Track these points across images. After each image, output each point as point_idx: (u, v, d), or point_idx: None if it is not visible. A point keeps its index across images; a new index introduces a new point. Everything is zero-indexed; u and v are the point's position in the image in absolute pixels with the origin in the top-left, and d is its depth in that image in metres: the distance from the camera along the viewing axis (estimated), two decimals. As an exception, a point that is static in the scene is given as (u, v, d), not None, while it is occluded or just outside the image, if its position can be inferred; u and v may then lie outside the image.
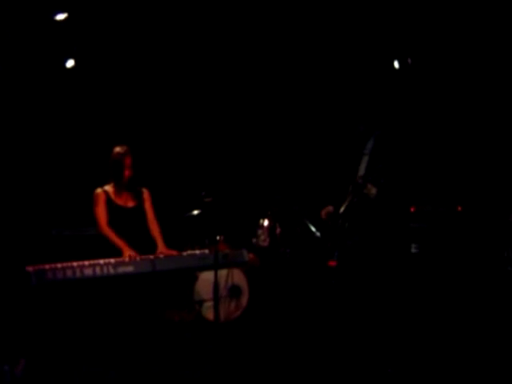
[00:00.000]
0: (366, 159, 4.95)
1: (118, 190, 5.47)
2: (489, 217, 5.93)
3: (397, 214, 4.90)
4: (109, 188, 5.49)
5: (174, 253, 5.47)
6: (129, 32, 7.40)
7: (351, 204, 4.88)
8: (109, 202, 5.41)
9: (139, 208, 5.52)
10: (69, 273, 4.86)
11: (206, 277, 6.28)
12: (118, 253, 5.20)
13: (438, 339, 5.42)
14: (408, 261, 5.11)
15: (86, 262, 4.98)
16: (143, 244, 5.42)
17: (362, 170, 4.94)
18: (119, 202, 5.46)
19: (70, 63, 7.23)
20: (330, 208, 5.28)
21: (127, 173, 5.41)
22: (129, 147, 5.48)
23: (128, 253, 5.16)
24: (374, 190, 4.74)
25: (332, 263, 5.04)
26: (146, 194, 5.59)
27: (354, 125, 5.07)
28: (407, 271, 5.15)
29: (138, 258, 5.13)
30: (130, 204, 5.50)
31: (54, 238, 7.00)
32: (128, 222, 5.41)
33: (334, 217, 5.19)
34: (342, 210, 5.03)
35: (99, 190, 5.45)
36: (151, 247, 5.46)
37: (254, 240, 7.00)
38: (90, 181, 5.76)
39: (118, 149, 5.45)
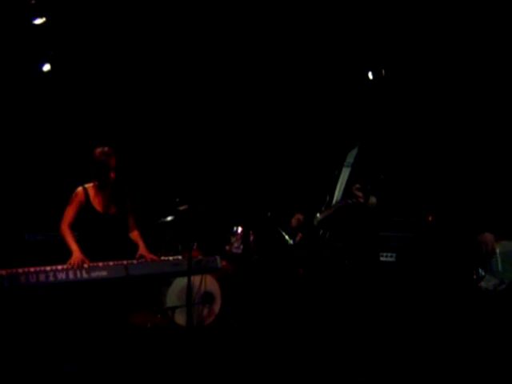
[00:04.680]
0: (346, 171, 4.97)
1: (101, 191, 5.35)
2: (462, 230, 6.00)
3: (376, 222, 4.94)
4: (91, 189, 5.35)
5: (154, 257, 5.47)
6: (107, 36, 7.39)
7: (337, 213, 4.88)
8: (88, 206, 5.29)
9: (120, 213, 5.43)
10: (42, 277, 4.86)
11: (179, 283, 6.30)
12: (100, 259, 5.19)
13: (409, 346, 5.50)
14: (379, 269, 5.16)
15: (59, 267, 4.97)
16: (123, 249, 5.40)
17: (342, 183, 4.97)
18: (100, 207, 5.33)
19: (47, 67, 7.23)
20: (300, 216, 5.30)
21: (112, 175, 5.29)
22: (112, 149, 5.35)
23: (72, 260, 5.04)
24: (374, 200, 4.75)
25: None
26: (128, 197, 5.50)
27: (338, 132, 5.06)
28: (378, 279, 5.20)
29: (110, 263, 5.13)
30: (112, 210, 5.38)
31: (27, 242, 6.96)
32: (109, 229, 5.32)
33: (307, 226, 5.21)
34: (319, 218, 5.05)
35: (80, 190, 5.32)
36: (131, 252, 5.44)
37: (228, 247, 7.03)
38: (63, 185, 5.72)
39: (102, 149, 5.29)
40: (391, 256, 6.54)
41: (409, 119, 7.26)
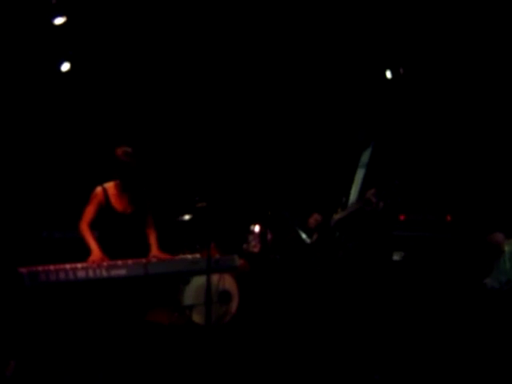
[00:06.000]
0: (361, 172, 4.96)
1: (122, 191, 5.33)
2: (472, 229, 5.97)
3: (389, 222, 4.96)
4: (111, 189, 5.33)
5: (168, 256, 5.47)
6: (123, 37, 7.42)
7: (351, 216, 4.88)
8: (107, 206, 5.27)
9: (137, 214, 5.40)
10: (61, 275, 4.87)
11: (197, 281, 6.33)
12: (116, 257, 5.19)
13: (422, 346, 5.48)
14: (390, 268, 5.17)
15: (79, 265, 4.99)
16: (139, 249, 5.39)
17: (358, 184, 4.97)
18: (118, 207, 5.31)
19: (66, 67, 7.25)
20: (318, 216, 5.30)
21: (135, 176, 5.27)
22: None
23: (92, 257, 5.06)
24: (381, 204, 4.75)
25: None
26: (147, 196, 5.48)
27: (354, 133, 5.07)
28: (390, 278, 5.20)
29: (129, 262, 5.15)
30: (129, 210, 5.34)
31: (45, 240, 7.00)
32: (125, 228, 5.32)
33: (324, 226, 5.22)
34: (335, 219, 5.05)
35: (99, 190, 5.28)
36: (147, 252, 5.45)
37: (245, 246, 7.05)
38: (81, 183, 5.74)
39: (125, 150, 5.25)
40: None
41: (424, 119, 7.22)
